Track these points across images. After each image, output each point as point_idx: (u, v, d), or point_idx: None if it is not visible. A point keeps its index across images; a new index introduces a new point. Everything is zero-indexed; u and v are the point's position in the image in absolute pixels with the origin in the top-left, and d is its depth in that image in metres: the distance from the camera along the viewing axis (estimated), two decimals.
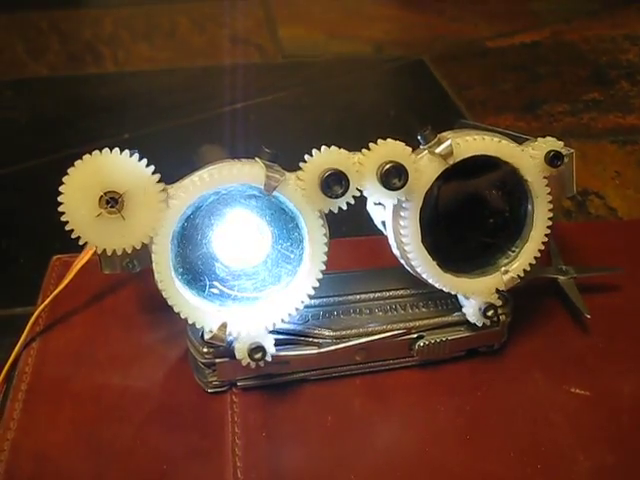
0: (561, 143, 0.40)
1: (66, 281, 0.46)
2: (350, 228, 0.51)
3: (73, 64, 1.01)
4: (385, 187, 0.36)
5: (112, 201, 0.34)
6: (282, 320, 0.39)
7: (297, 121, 0.85)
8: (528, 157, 0.39)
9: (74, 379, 0.43)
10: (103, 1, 1.24)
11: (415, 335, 0.42)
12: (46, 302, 0.47)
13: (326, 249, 0.38)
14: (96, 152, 0.34)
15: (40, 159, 0.76)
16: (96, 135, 0.80)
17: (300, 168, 0.36)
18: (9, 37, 1.08)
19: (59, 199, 0.34)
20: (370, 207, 0.44)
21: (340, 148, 0.36)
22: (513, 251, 0.42)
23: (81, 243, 0.35)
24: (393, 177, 0.36)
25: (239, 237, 0.38)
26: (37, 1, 1.20)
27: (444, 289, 0.41)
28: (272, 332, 0.39)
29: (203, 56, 1.02)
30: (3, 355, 0.45)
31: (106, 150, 0.34)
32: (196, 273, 0.38)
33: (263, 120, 0.85)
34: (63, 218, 0.34)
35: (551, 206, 0.41)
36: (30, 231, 0.65)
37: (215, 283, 0.39)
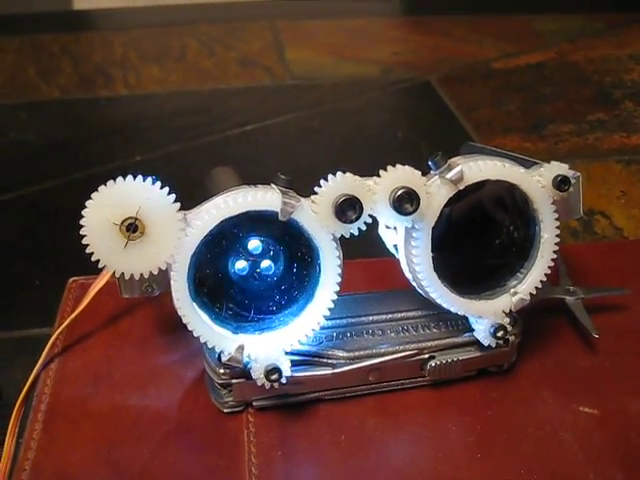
0: (568, 168, 0.41)
1: (84, 303, 0.47)
2: (361, 250, 0.51)
3: (84, 87, 1.02)
4: (397, 212, 0.37)
5: (132, 227, 0.35)
6: (297, 342, 0.40)
7: (306, 143, 0.86)
8: (536, 182, 0.40)
9: (92, 400, 0.44)
10: (113, 24, 1.26)
11: (427, 355, 0.43)
12: (64, 324, 0.48)
13: (340, 272, 0.39)
14: (119, 179, 0.35)
15: (53, 181, 0.77)
16: (107, 157, 0.81)
17: (314, 193, 0.37)
18: (21, 60, 1.10)
19: (81, 222, 0.35)
20: (382, 231, 0.45)
21: (352, 173, 0.37)
22: (522, 273, 0.43)
23: (101, 266, 0.36)
24: (405, 202, 0.37)
25: (255, 261, 0.39)
26: (48, 24, 1.22)
27: (455, 310, 0.42)
28: (287, 353, 0.40)
29: (212, 78, 1.04)
30: (22, 376, 0.46)
31: (129, 177, 0.35)
32: (213, 296, 0.39)
33: (272, 142, 0.86)
34: (84, 241, 0.35)
35: (558, 229, 0.41)
36: (45, 253, 0.66)
37: (232, 306, 0.40)
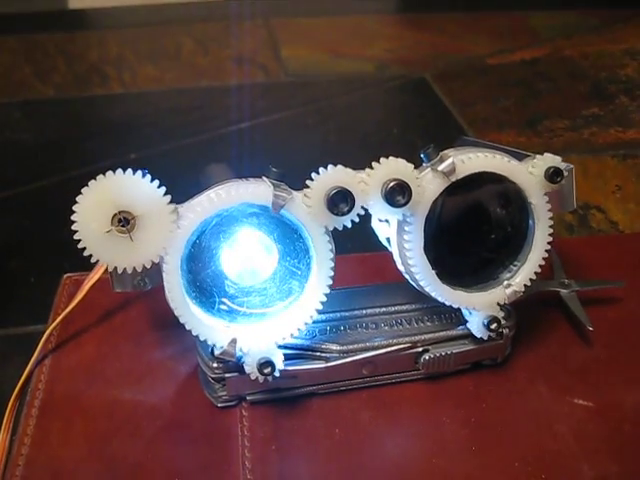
0: (560, 159, 0.41)
1: (77, 299, 0.47)
2: (355, 244, 0.51)
3: (79, 85, 1.02)
4: (389, 204, 0.37)
5: (124, 221, 0.35)
6: (290, 335, 0.40)
7: (301, 140, 0.86)
8: (528, 174, 0.40)
9: (86, 395, 0.44)
10: (108, 23, 1.26)
11: (420, 349, 0.43)
12: (58, 320, 0.48)
13: (332, 265, 0.39)
14: (109, 173, 0.35)
15: (48, 179, 0.77)
16: (103, 155, 0.81)
17: (306, 186, 0.37)
18: (17, 59, 1.10)
19: (72, 218, 0.35)
20: (374, 224, 0.45)
21: (345, 167, 0.37)
22: (515, 265, 0.43)
23: (93, 261, 0.36)
24: (397, 194, 0.37)
25: (248, 255, 0.39)
26: (44, 23, 1.22)
27: (448, 303, 0.42)
28: (280, 347, 0.40)
29: (208, 76, 1.04)
30: (16, 372, 0.46)
31: (118, 171, 0.35)
32: (206, 290, 0.39)
33: (268, 139, 0.86)
34: (76, 236, 0.35)
35: (552, 221, 0.41)
36: (39, 251, 0.66)
37: (224, 300, 0.40)
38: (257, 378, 0.39)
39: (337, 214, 0.37)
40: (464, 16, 1.23)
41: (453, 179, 0.38)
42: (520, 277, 0.42)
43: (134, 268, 0.36)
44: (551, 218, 0.41)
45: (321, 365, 0.42)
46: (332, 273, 0.39)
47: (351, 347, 0.42)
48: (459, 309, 0.43)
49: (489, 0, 1.28)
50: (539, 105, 0.92)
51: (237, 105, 0.95)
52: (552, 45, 1.10)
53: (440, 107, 0.93)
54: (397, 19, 1.30)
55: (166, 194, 0.36)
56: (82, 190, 0.35)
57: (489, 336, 0.42)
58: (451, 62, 1.05)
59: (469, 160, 0.39)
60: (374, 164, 0.37)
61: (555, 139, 0.84)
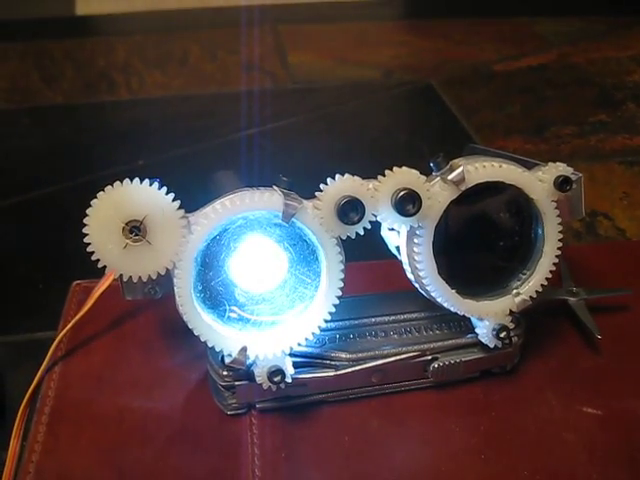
0: (570, 168, 0.41)
1: (87, 306, 0.47)
2: (363, 252, 0.51)
3: (88, 92, 1.02)
4: (399, 213, 0.37)
5: (135, 230, 0.35)
6: (300, 344, 0.40)
7: (308, 146, 0.86)
8: (537, 182, 0.40)
9: (96, 402, 0.44)
10: (116, 29, 1.26)
11: (429, 357, 0.43)
12: (68, 327, 0.48)
13: (342, 275, 0.39)
14: (117, 183, 0.35)
15: (56, 186, 0.77)
16: (111, 162, 0.81)
17: (316, 196, 0.37)
18: (25, 66, 1.10)
19: (85, 221, 0.35)
20: (384, 232, 0.45)
21: (353, 175, 0.37)
22: (524, 274, 0.43)
23: (100, 266, 0.36)
24: (407, 204, 0.37)
25: (258, 263, 0.39)
26: (51, 30, 1.22)
27: (457, 312, 0.42)
28: (290, 355, 0.40)
29: (215, 83, 1.04)
30: (26, 379, 0.46)
31: (126, 180, 0.35)
32: (216, 298, 0.39)
33: (275, 146, 0.86)
34: (89, 249, 0.35)
35: (560, 229, 0.41)
36: (48, 257, 0.66)
37: (234, 308, 0.40)
38: (267, 386, 0.39)
39: (347, 223, 0.37)
40: (470, 22, 1.23)
41: (463, 188, 0.39)
42: (529, 285, 0.42)
43: (148, 276, 0.36)
44: (560, 225, 0.41)
45: (330, 373, 0.42)
46: (342, 283, 0.39)
47: (360, 355, 0.42)
48: (468, 317, 0.43)
49: (495, 6, 1.28)
50: (546, 112, 0.92)
51: (244, 112, 0.95)
52: (558, 51, 1.10)
53: (447, 113, 0.93)
54: (403, 25, 1.30)
55: (175, 200, 0.36)
56: (97, 195, 0.35)
57: (498, 344, 0.42)
58: (457, 68, 1.05)
59: (478, 169, 0.39)
60: (385, 172, 0.37)
61: (562, 146, 0.84)
